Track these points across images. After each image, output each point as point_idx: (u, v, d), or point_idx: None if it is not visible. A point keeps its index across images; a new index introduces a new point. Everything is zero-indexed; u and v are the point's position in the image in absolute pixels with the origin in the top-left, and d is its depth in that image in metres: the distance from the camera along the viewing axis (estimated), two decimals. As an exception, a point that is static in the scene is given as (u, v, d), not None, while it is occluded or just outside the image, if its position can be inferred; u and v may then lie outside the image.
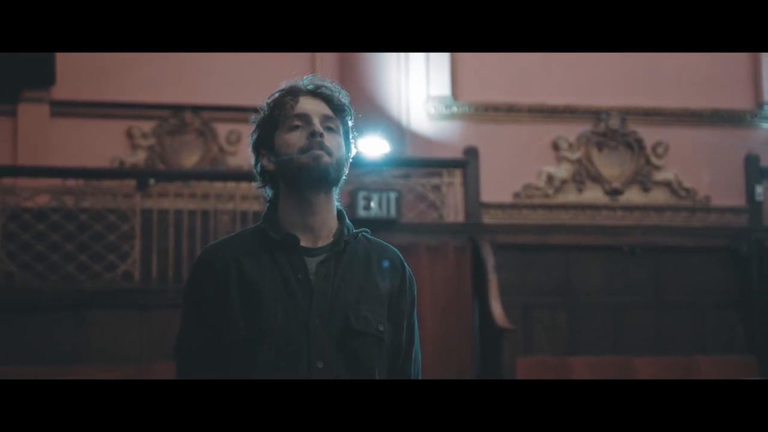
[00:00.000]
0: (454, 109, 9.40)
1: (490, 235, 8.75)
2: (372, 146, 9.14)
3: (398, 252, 2.07)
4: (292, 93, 2.00)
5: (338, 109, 2.01)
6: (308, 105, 1.98)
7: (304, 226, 1.95)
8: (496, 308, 8.07)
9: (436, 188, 8.97)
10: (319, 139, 1.93)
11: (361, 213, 8.24)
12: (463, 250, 8.51)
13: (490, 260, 8.37)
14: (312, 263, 1.93)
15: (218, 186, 8.57)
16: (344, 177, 2.04)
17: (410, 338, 2.01)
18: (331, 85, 2.04)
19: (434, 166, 9.08)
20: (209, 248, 2.00)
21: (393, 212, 8.37)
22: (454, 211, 8.94)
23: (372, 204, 8.40)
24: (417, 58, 9.42)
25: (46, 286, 7.80)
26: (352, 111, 2.08)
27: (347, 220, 2.01)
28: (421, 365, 2.10)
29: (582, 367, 8.22)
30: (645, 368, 8.26)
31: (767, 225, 9.39)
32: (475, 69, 9.46)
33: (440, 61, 9.41)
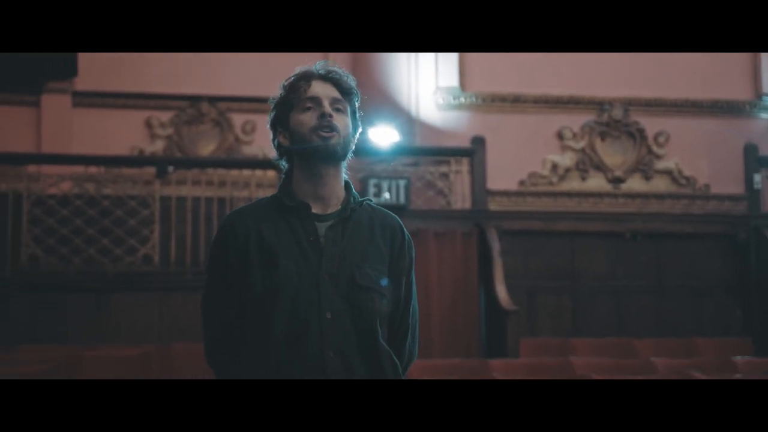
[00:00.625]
0: (462, 99, 9.39)
1: (496, 222, 8.80)
2: (382, 136, 9.18)
3: (398, 218, 2.28)
4: (306, 77, 2.20)
5: (346, 92, 2.21)
6: (319, 88, 2.17)
7: (315, 196, 2.16)
8: (501, 292, 8.17)
9: (444, 176, 9.01)
10: (328, 119, 2.15)
11: (372, 200, 8.40)
12: (469, 236, 8.58)
13: (495, 246, 8.46)
14: (322, 228, 2.14)
15: (234, 174, 8.64)
16: (351, 152, 2.25)
17: (408, 293, 2.22)
18: (340, 71, 2.24)
19: (442, 154, 9.11)
20: (232, 214, 2.22)
21: (402, 199, 8.43)
22: (461, 198, 8.98)
23: (386, 194, 8.48)
24: (426, 53, 9.37)
25: (70, 269, 7.89)
26: (359, 93, 2.28)
27: (353, 190, 2.22)
28: (419, 320, 2.33)
29: (585, 349, 8.21)
30: (646, 350, 8.20)
31: (765, 212, 9.41)
32: (482, 61, 9.43)
33: (448, 54, 9.37)
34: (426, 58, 9.44)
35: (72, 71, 9.50)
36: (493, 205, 9.10)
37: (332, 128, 2.13)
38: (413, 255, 2.25)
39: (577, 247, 9.16)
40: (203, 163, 9.12)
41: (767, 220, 9.27)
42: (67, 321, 7.74)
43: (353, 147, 2.24)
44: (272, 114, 2.23)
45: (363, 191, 8.38)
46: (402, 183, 8.49)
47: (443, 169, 9.03)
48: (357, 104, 2.26)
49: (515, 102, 9.48)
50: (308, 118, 2.14)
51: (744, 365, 6.18)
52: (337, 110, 2.17)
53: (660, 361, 6.35)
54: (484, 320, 8.44)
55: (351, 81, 2.23)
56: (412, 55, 9.49)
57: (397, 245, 2.21)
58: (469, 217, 8.78)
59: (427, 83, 9.48)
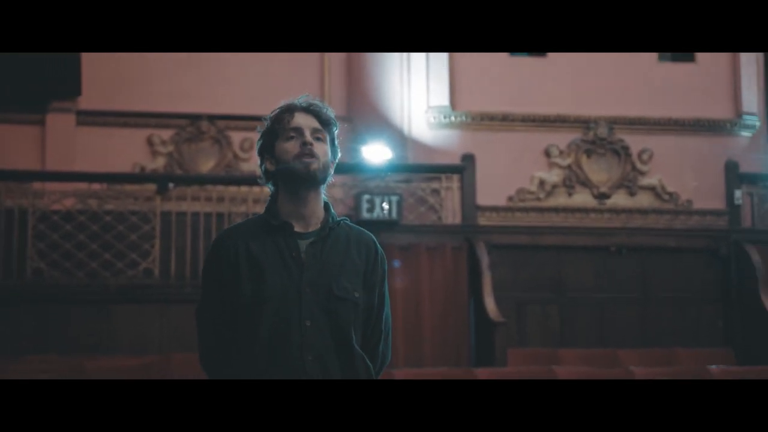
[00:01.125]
0: (452, 118, 9.48)
1: (485, 236, 8.93)
2: (375, 153, 9.33)
3: (372, 236, 2.49)
4: (289, 110, 2.42)
5: (326, 123, 2.43)
6: (301, 120, 2.39)
7: (298, 215, 2.37)
8: (490, 303, 8.33)
9: (435, 192, 9.13)
10: (309, 147, 2.37)
11: (365, 215, 8.45)
12: (459, 250, 8.75)
13: (484, 259, 8.61)
14: (303, 244, 2.35)
15: (232, 190, 8.77)
16: (331, 176, 2.46)
17: (381, 302, 2.43)
18: (320, 103, 2.46)
19: (433, 171, 9.22)
20: (223, 232, 2.44)
21: (395, 214, 8.59)
22: (452, 214, 9.09)
23: (384, 205, 8.58)
24: (418, 71, 9.52)
25: (73, 282, 8.03)
26: (337, 123, 2.51)
27: (332, 210, 2.44)
28: (391, 328, 2.54)
29: (570, 359, 8.36)
30: (629, 360, 8.32)
31: (746, 227, 9.51)
32: (472, 81, 9.52)
33: (440, 73, 9.48)
34: (417, 78, 9.56)
35: (76, 91, 9.64)
36: (483, 220, 9.21)
37: (313, 155, 2.35)
38: (386, 268, 2.46)
39: (563, 260, 9.27)
40: (203, 180, 9.26)
41: (748, 234, 9.38)
42: (71, 332, 7.87)
43: (332, 171, 2.45)
44: (260, 142, 2.45)
45: (357, 207, 8.55)
46: (394, 199, 8.63)
47: (434, 185, 9.15)
48: (336, 133, 2.47)
49: (504, 120, 9.55)
50: (291, 147, 2.36)
51: (719, 373, 6.36)
52: (318, 139, 2.39)
53: (639, 371, 6.53)
54: (473, 331, 8.58)
55: (330, 113, 2.45)
56: (405, 75, 9.59)
57: (371, 260, 2.42)
58: (460, 232, 8.92)
59: (418, 102, 9.58)
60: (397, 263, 8.39)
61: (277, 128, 2.40)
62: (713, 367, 6.78)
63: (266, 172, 2.44)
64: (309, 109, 2.42)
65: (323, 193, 2.43)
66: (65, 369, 6.64)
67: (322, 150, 2.38)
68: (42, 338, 7.82)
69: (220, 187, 8.89)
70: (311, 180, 2.36)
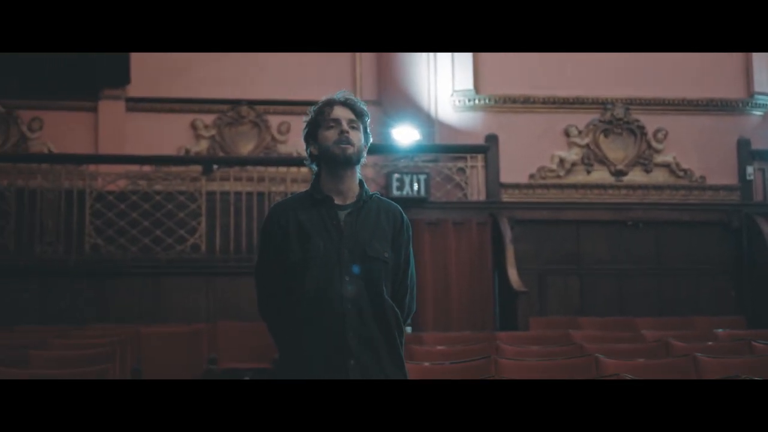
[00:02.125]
0: (476, 101, 9.67)
1: (508, 212, 9.20)
2: (404, 135, 9.64)
3: (399, 207, 2.94)
4: (329, 104, 2.86)
5: (359, 114, 2.86)
6: (339, 112, 2.82)
7: (337, 191, 2.81)
8: (513, 275, 8.68)
9: (461, 171, 9.41)
10: (346, 135, 2.81)
11: (395, 193, 8.79)
12: (484, 225, 9.07)
13: (507, 234, 8.92)
14: (342, 214, 2.78)
15: (271, 170, 9.10)
16: (364, 158, 2.90)
17: (407, 261, 2.86)
18: (355, 98, 2.90)
19: (459, 151, 9.49)
20: (277, 204, 2.90)
21: (423, 192, 8.92)
22: (476, 191, 9.38)
23: (415, 184, 8.90)
24: (444, 58, 9.74)
25: (127, 256, 8.47)
26: (369, 114, 2.95)
27: (365, 186, 2.88)
28: (416, 281, 2.98)
29: (589, 326, 8.43)
30: (645, 327, 8.33)
31: (757, 201, 9.70)
32: (494, 66, 9.69)
33: (464, 59, 9.67)
34: (443, 65, 9.77)
35: (125, 80, 10.07)
36: (506, 197, 9.45)
37: (349, 141, 2.79)
38: (410, 234, 2.90)
39: (582, 234, 9.48)
40: (243, 162, 9.62)
41: (759, 208, 9.57)
42: (126, 302, 8.28)
43: (365, 154, 2.90)
44: (305, 130, 2.89)
45: (387, 185, 8.90)
46: (423, 178, 8.95)
47: (460, 164, 9.41)
48: (368, 122, 2.92)
49: (525, 103, 9.74)
50: (331, 134, 2.81)
51: (723, 336, 6.70)
52: (353, 128, 2.83)
53: (648, 333, 6.87)
54: (497, 300, 8.91)
55: (362, 105, 2.89)
56: (432, 62, 9.81)
57: (398, 227, 2.86)
58: (484, 208, 9.20)
59: (444, 87, 9.79)
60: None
61: (319, 119, 2.85)
62: (719, 330, 7.07)
63: (311, 155, 2.89)
64: (345, 103, 2.86)
65: (358, 172, 2.88)
66: (122, 335, 6.94)
67: (356, 137, 2.82)
68: (100, 308, 8.24)
69: (259, 168, 9.22)
70: (348, 162, 2.80)
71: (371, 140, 2.94)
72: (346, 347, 2.68)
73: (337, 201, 2.81)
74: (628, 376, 3.81)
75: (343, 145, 2.78)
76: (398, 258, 2.84)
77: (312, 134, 2.87)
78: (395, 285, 2.84)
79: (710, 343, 5.91)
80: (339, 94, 2.90)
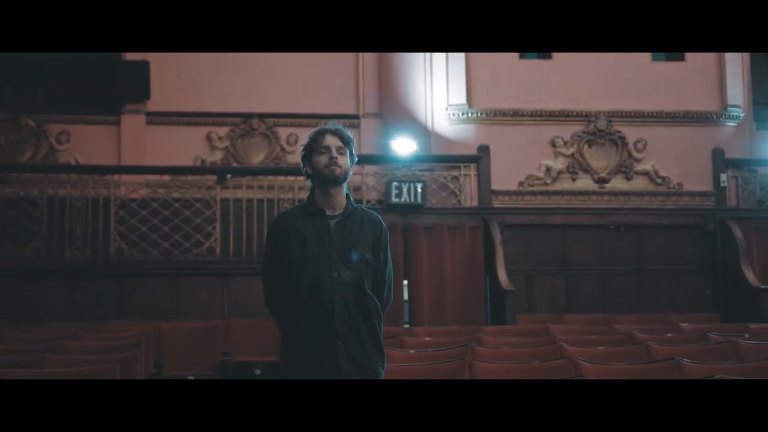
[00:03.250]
0: (469, 114, 10.02)
1: (499, 217, 9.60)
2: (403, 146, 10.08)
3: (379, 216, 3.50)
4: (322, 133, 3.42)
5: (346, 142, 3.42)
6: (329, 140, 3.37)
7: (327, 204, 3.37)
8: (502, 275, 9.11)
9: (455, 179, 9.75)
10: (334, 160, 3.38)
11: (394, 200, 9.25)
12: (476, 229, 9.50)
13: (497, 237, 9.35)
14: (332, 223, 3.35)
15: (280, 179, 9.50)
16: (350, 176, 3.45)
17: (385, 261, 3.41)
18: (343, 128, 3.46)
19: (453, 161, 9.84)
20: (280, 215, 3.47)
21: (420, 199, 9.35)
22: (469, 198, 9.73)
23: (413, 192, 9.24)
24: (439, 74, 10.13)
25: (149, 258, 8.88)
26: (354, 140, 3.51)
27: (351, 199, 3.45)
28: (393, 279, 3.55)
29: (573, 322, 8.87)
30: (626, 323, 8.65)
31: (730, 207, 10.05)
32: (485, 82, 10.05)
33: (458, 76, 10.03)
34: (439, 81, 10.16)
35: (145, 95, 10.54)
36: (497, 203, 9.82)
37: (337, 165, 3.36)
38: (388, 239, 3.46)
39: (568, 237, 9.84)
40: (255, 171, 10.05)
41: (731, 213, 9.95)
42: (148, 301, 8.70)
43: (351, 173, 3.46)
44: (302, 153, 3.45)
45: (387, 192, 9.36)
46: (420, 185, 9.38)
47: (454, 173, 9.76)
48: (353, 147, 3.48)
49: (514, 116, 10.07)
50: (323, 159, 3.37)
51: (687, 329, 7.21)
52: (341, 153, 3.40)
53: (620, 327, 7.38)
54: (488, 298, 9.34)
55: (349, 134, 3.46)
56: (428, 78, 10.21)
57: (378, 232, 3.42)
58: (476, 213, 9.59)
59: (440, 101, 10.17)
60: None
61: (313, 146, 3.42)
62: (684, 324, 7.55)
63: (307, 174, 3.47)
64: (335, 132, 3.43)
65: (345, 188, 3.44)
66: (144, 330, 7.25)
67: (343, 161, 3.39)
68: (124, 306, 8.68)
69: (269, 177, 9.65)
70: (336, 181, 3.36)
71: (356, 161, 3.50)
72: (334, 330, 3.23)
73: (328, 212, 3.37)
74: (581, 359, 4.36)
75: (332, 168, 3.34)
76: (378, 259, 3.40)
77: (308, 157, 3.43)
78: (375, 280, 3.39)
79: (669, 334, 6.41)
80: (330, 125, 3.46)
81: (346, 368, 3.20)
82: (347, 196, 3.45)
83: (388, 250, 3.49)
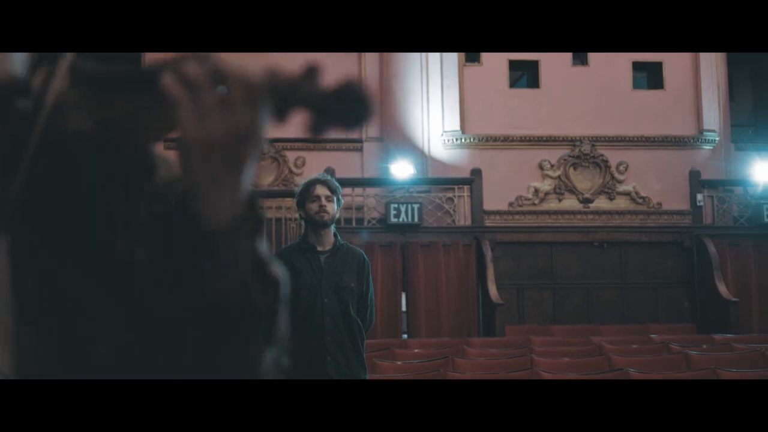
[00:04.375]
0: (463, 140, 10.53)
1: (490, 235, 10.09)
2: (401, 169, 10.57)
3: (362, 251, 4.14)
4: (313, 183, 4.04)
5: (333, 191, 4.03)
6: (319, 190, 4.01)
7: (318, 242, 4.01)
8: (492, 289, 9.62)
9: (450, 200, 10.26)
10: (324, 207, 4.00)
11: (393, 220, 9.77)
12: (469, 247, 10.02)
13: (489, 254, 9.85)
14: (322, 258, 3.99)
15: (288, 201, 9.50)
16: (337, 217, 4.09)
17: (367, 288, 4.02)
18: (331, 179, 4.10)
19: (448, 183, 10.36)
20: (279, 252, 4.13)
21: (417, 219, 9.87)
22: (463, 217, 10.25)
23: (410, 212, 9.76)
24: (435, 103, 10.69)
25: None
26: (340, 188, 4.15)
27: (339, 236, 4.09)
28: (375, 305, 4.17)
29: (560, 333, 9.37)
30: (609, 334, 9.22)
31: (706, 224, 10.51)
32: (478, 110, 10.54)
33: (452, 104, 10.57)
34: (435, 109, 10.72)
35: None
36: (488, 222, 10.33)
37: (326, 212, 3.99)
38: (369, 270, 4.10)
39: (555, 253, 10.32)
40: (264, 194, 10.31)
41: (707, 230, 10.41)
42: None
43: (338, 215, 4.10)
44: (297, 198, 4.09)
45: (386, 213, 9.93)
46: (417, 206, 9.88)
47: (449, 194, 10.26)
48: (339, 194, 4.11)
49: (505, 141, 10.57)
50: (314, 206, 4.00)
51: (656, 339, 7.78)
52: (329, 201, 4.02)
53: (595, 339, 7.95)
54: (480, 311, 9.87)
55: (336, 183, 4.09)
56: (425, 106, 10.77)
57: (361, 264, 4.05)
58: (469, 232, 10.09)
59: (436, 128, 10.71)
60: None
61: (305, 194, 4.05)
62: (653, 336, 8.12)
63: (300, 217, 4.10)
64: (324, 183, 4.06)
65: (333, 228, 4.07)
66: None
67: (331, 207, 4.02)
68: None
69: (278, 198, 10.13)
70: (325, 225, 3.99)
71: (342, 204, 4.13)
72: (324, 347, 3.86)
73: (319, 248, 4.01)
74: (541, 369, 4.96)
75: (322, 214, 3.98)
76: (361, 286, 4.03)
77: (301, 203, 4.06)
78: (359, 305, 4.02)
79: (635, 346, 6.99)
80: (320, 176, 4.10)
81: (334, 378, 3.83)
82: (335, 234, 4.08)
83: (370, 279, 4.12)
